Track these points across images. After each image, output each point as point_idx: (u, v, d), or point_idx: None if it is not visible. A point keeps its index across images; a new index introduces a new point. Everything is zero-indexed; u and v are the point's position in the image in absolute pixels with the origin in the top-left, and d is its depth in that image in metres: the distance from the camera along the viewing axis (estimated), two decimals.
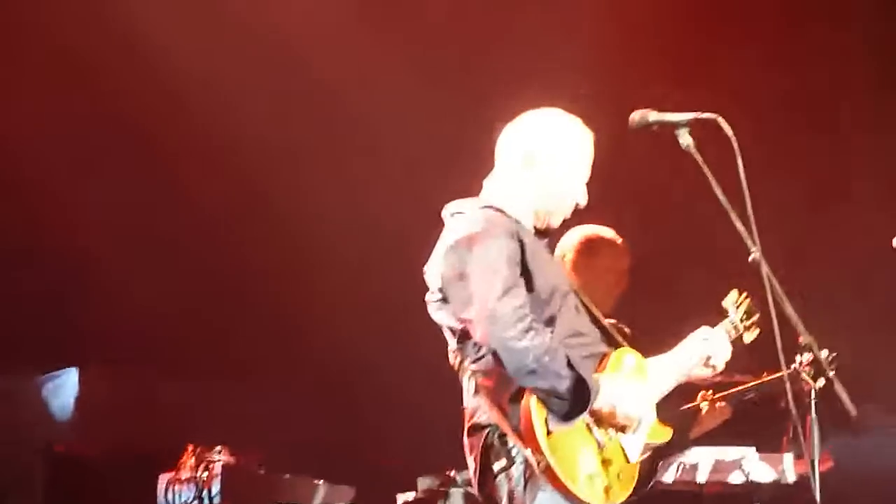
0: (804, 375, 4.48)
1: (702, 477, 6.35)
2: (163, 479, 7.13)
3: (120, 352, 8.55)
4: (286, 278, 8.88)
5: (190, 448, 6.18)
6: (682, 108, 4.38)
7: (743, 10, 8.65)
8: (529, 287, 4.43)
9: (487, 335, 4.32)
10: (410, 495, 6.71)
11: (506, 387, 4.37)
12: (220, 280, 8.85)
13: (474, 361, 4.48)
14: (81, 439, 8.33)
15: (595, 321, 4.70)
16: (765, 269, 4.16)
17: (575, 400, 4.29)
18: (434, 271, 4.58)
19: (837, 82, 8.66)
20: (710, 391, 5.94)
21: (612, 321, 4.95)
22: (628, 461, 4.52)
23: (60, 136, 8.55)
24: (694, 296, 5.22)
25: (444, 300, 4.53)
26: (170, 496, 6.97)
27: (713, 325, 4.87)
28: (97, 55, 8.33)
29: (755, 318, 4.88)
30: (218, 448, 6.12)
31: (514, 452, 4.34)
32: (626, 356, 4.64)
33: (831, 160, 8.59)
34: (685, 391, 5.41)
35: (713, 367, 4.81)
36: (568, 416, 4.30)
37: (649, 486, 4.67)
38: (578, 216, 4.83)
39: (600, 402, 4.38)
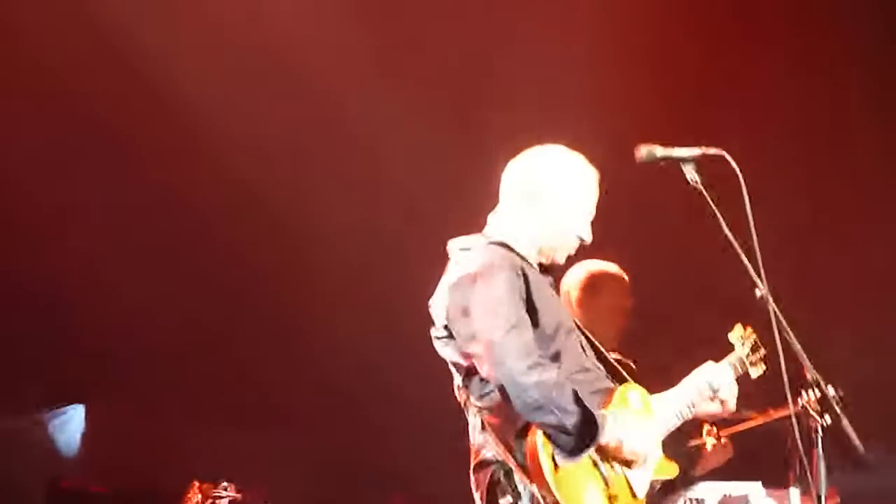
0: (811, 412, 4.46)
1: None
2: None
3: (125, 388, 8.53)
4: (296, 312, 8.87)
5: (196, 484, 6.15)
6: (686, 143, 4.39)
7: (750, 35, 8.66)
8: (535, 322, 4.44)
9: (494, 370, 4.33)
10: None
11: (512, 423, 4.37)
12: (229, 315, 8.83)
13: (480, 398, 4.47)
14: (87, 475, 8.31)
15: (600, 357, 4.71)
16: (771, 306, 4.15)
17: (582, 435, 4.28)
18: (439, 306, 4.58)
19: (840, 108, 8.67)
20: (715, 427, 5.94)
21: (618, 356, 4.94)
22: (635, 497, 4.50)
23: (57, 162, 8.52)
24: (700, 331, 5.22)
25: (450, 336, 4.53)
26: None
27: (719, 360, 4.86)
28: (89, 61, 8.29)
29: (762, 352, 4.87)
30: (224, 484, 6.10)
31: (520, 489, 4.33)
32: (632, 392, 4.64)
33: (837, 185, 8.61)
34: (692, 427, 5.41)
35: (722, 402, 4.80)
36: (574, 452, 4.29)
37: None
38: (584, 252, 4.83)
39: (607, 438, 4.37)
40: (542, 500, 4.25)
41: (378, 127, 8.56)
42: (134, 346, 8.55)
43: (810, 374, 4.24)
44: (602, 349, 4.73)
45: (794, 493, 5.68)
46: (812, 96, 8.64)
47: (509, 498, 4.34)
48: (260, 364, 8.85)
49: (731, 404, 4.81)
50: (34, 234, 8.46)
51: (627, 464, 4.47)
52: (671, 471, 4.66)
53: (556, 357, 4.47)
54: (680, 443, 5.30)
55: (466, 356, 4.48)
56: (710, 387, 4.77)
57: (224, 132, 8.40)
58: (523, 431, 4.33)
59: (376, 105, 8.49)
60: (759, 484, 5.79)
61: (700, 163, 4.33)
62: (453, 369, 4.58)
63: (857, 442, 4.23)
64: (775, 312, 4.15)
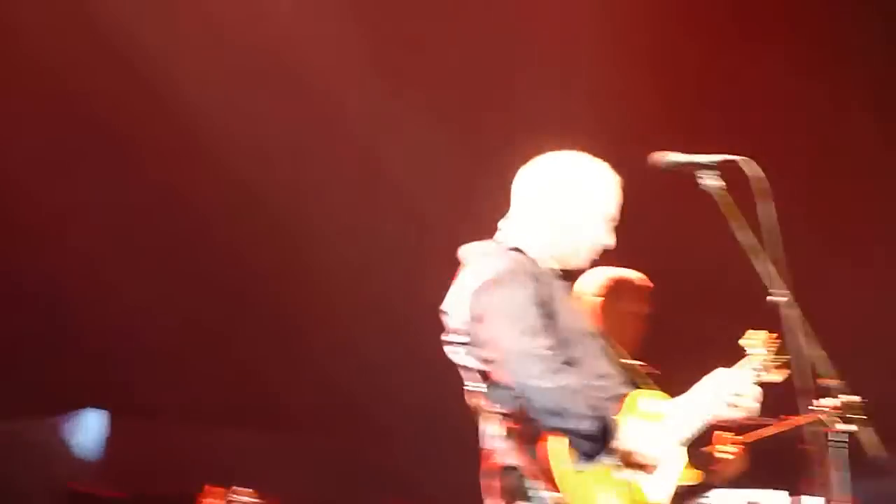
0: (831, 419, 4.45)
1: None
2: None
3: (139, 392, 8.51)
4: (297, 312, 8.85)
5: (209, 488, 6.13)
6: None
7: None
8: (553, 328, 4.43)
9: (511, 376, 4.33)
10: None
11: (526, 428, 4.36)
12: (230, 316, 8.81)
13: (496, 404, 4.46)
14: (100, 480, 8.28)
15: (620, 363, 4.70)
16: (794, 312, 4.15)
17: (598, 441, 4.29)
18: (455, 313, 4.57)
19: (840, 108, 8.69)
20: (733, 434, 5.92)
21: (637, 362, 4.94)
22: (649, 502, 4.50)
23: (57, 162, 8.48)
24: (720, 336, 5.20)
25: (467, 342, 4.51)
26: None
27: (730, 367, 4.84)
28: (89, 61, 8.27)
29: (783, 357, 4.85)
30: (238, 488, 6.08)
31: (535, 494, 4.32)
32: (648, 398, 4.62)
33: (837, 185, 8.63)
34: (708, 435, 5.39)
35: (743, 408, 4.78)
36: (590, 458, 4.30)
37: None
38: (605, 258, 4.82)
39: (622, 443, 4.37)
40: None
41: (378, 127, 8.56)
42: (134, 346, 8.52)
43: (831, 381, 4.24)
44: (622, 355, 4.72)
45: (817, 502, 5.66)
46: (812, 96, 8.66)
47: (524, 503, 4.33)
48: (260, 364, 8.83)
49: (755, 410, 4.79)
50: (34, 235, 8.43)
51: (642, 469, 4.47)
52: (694, 477, 4.66)
53: (574, 363, 4.45)
54: (697, 450, 5.27)
55: (483, 362, 4.46)
56: (730, 392, 4.75)
57: (225, 132, 8.38)
58: (540, 437, 4.33)
59: (377, 105, 8.50)
60: (785, 493, 5.79)
61: (721, 169, 4.33)
62: (468, 374, 4.56)
63: (878, 449, 4.23)
64: (795, 318, 4.15)
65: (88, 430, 8.55)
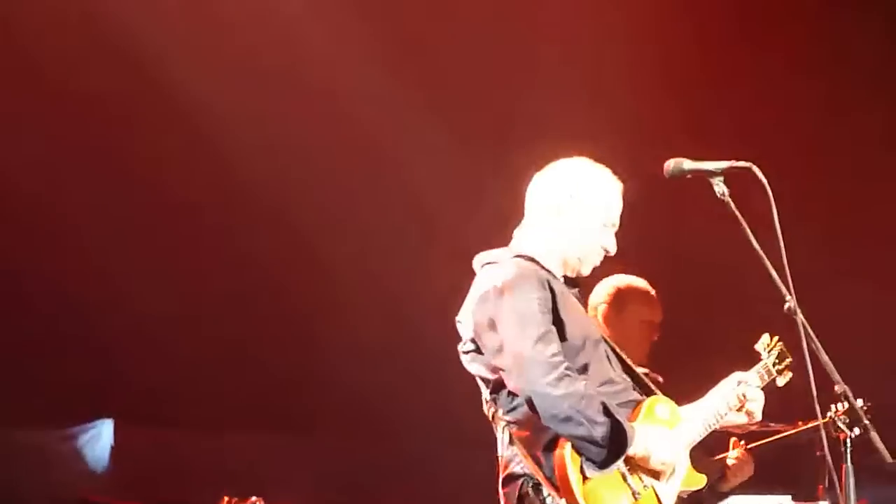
0: (840, 424, 4.47)
1: None
2: None
3: (150, 401, 8.48)
4: (309, 315, 8.84)
5: (225, 499, 6.11)
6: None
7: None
8: (562, 335, 4.44)
9: (522, 383, 4.35)
10: None
11: (540, 436, 4.38)
12: (256, 329, 8.79)
13: (508, 411, 4.48)
14: (115, 491, 8.26)
15: (627, 370, 4.70)
16: (800, 318, 4.15)
17: (611, 447, 4.30)
18: (467, 321, 4.58)
19: (840, 108, 8.70)
20: (742, 440, 5.94)
21: (644, 370, 4.95)
22: None
23: (57, 162, 8.46)
24: (726, 343, 5.22)
25: (478, 350, 4.53)
26: None
27: (746, 371, 4.86)
28: (89, 61, 8.22)
29: (788, 361, 4.88)
30: (253, 499, 6.05)
31: (548, 502, 4.33)
32: (660, 404, 4.63)
33: (837, 185, 8.63)
34: (717, 440, 5.40)
35: (750, 413, 4.80)
36: (603, 464, 4.31)
37: None
38: (610, 265, 4.82)
39: (635, 450, 4.38)
40: None
41: (386, 127, 8.54)
42: (145, 354, 8.48)
43: (838, 385, 4.25)
44: (629, 362, 4.73)
45: None
46: (812, 96, 8.67)
47: None
48: (272, 371, 8.79)
49: (758, 414, 4.82)
50: (33, 234, 8.41)
51: (656, 475, 4.48)
52: (699, 482, 4.67)
53: (583, 369, 4.47)
54: (705, 455, 5.29)
55: (494, 369, 4.48)
56: (739, 396, 4.77)
57: (230, 132, 8.37)
58: (552, 444, 4.35)
59: (383, 104, 8.48)
60: (788, 498, 5.80)
61: (727, 176, 4.33)
62: (481, 384, 4.58)
63: (885, 453, 4.24)
64: (803, 324, 4.16)
65: (100, 438, 8.53)
